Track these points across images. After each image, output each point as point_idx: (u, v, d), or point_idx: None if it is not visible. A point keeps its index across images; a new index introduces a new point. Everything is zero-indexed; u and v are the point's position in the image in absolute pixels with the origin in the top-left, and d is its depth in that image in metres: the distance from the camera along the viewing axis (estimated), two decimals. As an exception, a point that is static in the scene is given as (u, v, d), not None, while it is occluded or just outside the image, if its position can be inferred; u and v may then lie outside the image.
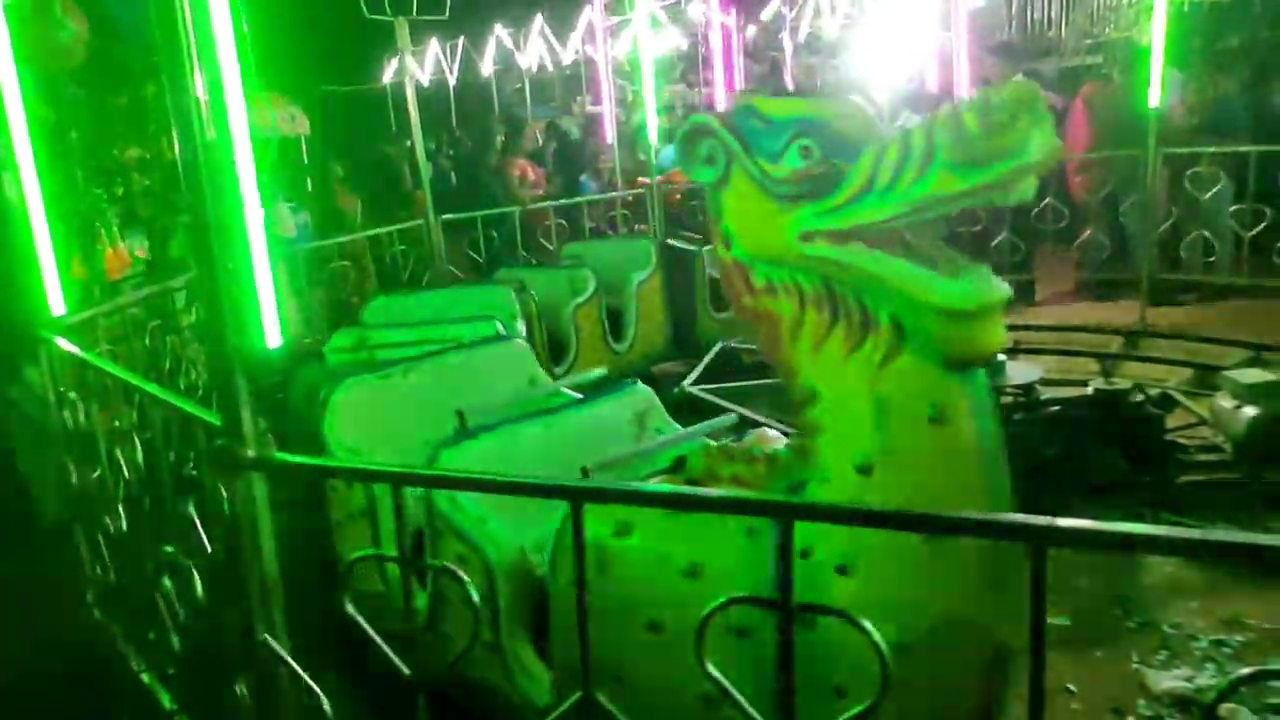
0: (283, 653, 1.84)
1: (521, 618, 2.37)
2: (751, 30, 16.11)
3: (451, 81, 15.04)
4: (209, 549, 2.19)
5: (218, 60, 1.69)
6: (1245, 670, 1.26)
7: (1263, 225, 6.18)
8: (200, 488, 2.22)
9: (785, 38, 11.82)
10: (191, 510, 2.30)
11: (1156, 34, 6.16)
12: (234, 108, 1.72)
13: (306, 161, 8.87)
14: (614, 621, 1.80)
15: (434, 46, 14.89)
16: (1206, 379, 5.15)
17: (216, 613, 2.18)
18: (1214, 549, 1.46)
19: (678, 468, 2.16)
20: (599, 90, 15.48)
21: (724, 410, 4.37)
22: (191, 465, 2.66)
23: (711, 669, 1.46)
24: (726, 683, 1.48)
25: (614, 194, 7.62)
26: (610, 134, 7.91)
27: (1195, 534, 1.51)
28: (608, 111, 8.63)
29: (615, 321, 5.39)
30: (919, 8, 8.03)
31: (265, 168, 6.70)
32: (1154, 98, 6.17)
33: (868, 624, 1.43)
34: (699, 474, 2.09)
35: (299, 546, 3.14)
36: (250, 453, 1.79)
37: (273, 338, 1.80)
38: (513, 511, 2.44)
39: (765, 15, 14.68)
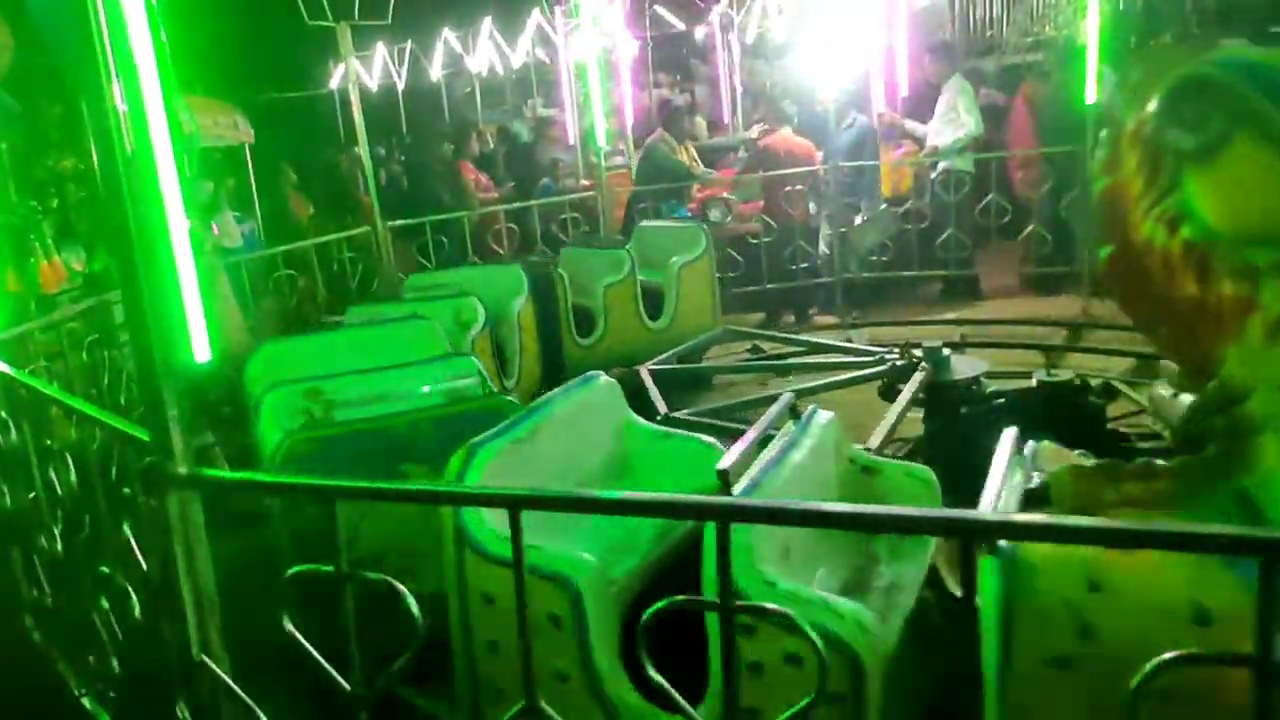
0: (220, 673, 1.81)
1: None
2: (699, 32, 16.21)
3: (400, 86, 14.91)
4: (145, 568, 2.14)
5: (136, 70, 1.65)
6: (1168, 655, 1.29)
7: (1196, 217, 6.34)
8: (135, 506, 2.17)
9: (733, 39, 11.88)
10: (127, 530, 2.25)
11: (1091, 32, 6.31)
12: (154, 118, 1.68)
13: (253, 169, 8.75)
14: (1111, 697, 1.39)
15: (381, 51, 14.74)
16: (1146, 368, 5.28)
17: (155, 633, 2.13)
18: (1143, 539, 1.49)
19: (1038, 499, 1.79)
20: (550, 93, 15.47)
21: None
22: (126, 484, 2.60)
23: (652, 672, 1.46)
24: (671, 689, 1.47)
25: (561, 198, 7.60)
26: (573, 135, 7.81)
27: (1123, 526, 1.53)
28: (570, 114, 8.57)
29: (498, 353, 5.08)
30: (864, 9, 8.13)
31: (188, 177, 6.56)
32: (1091, 94, 6.31)
33: (807, 626, 1.43)
34: (1073, 501, 1.74)
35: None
36: (181, 470, 1.76)
37: (201, 351, 1.77)
38: (802, 575, 2.06)
39: (712, 17, 14.78)
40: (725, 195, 7.94)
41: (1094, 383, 4.85)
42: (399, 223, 6.25)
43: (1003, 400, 4.43)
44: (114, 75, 1.62)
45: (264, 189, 8.03)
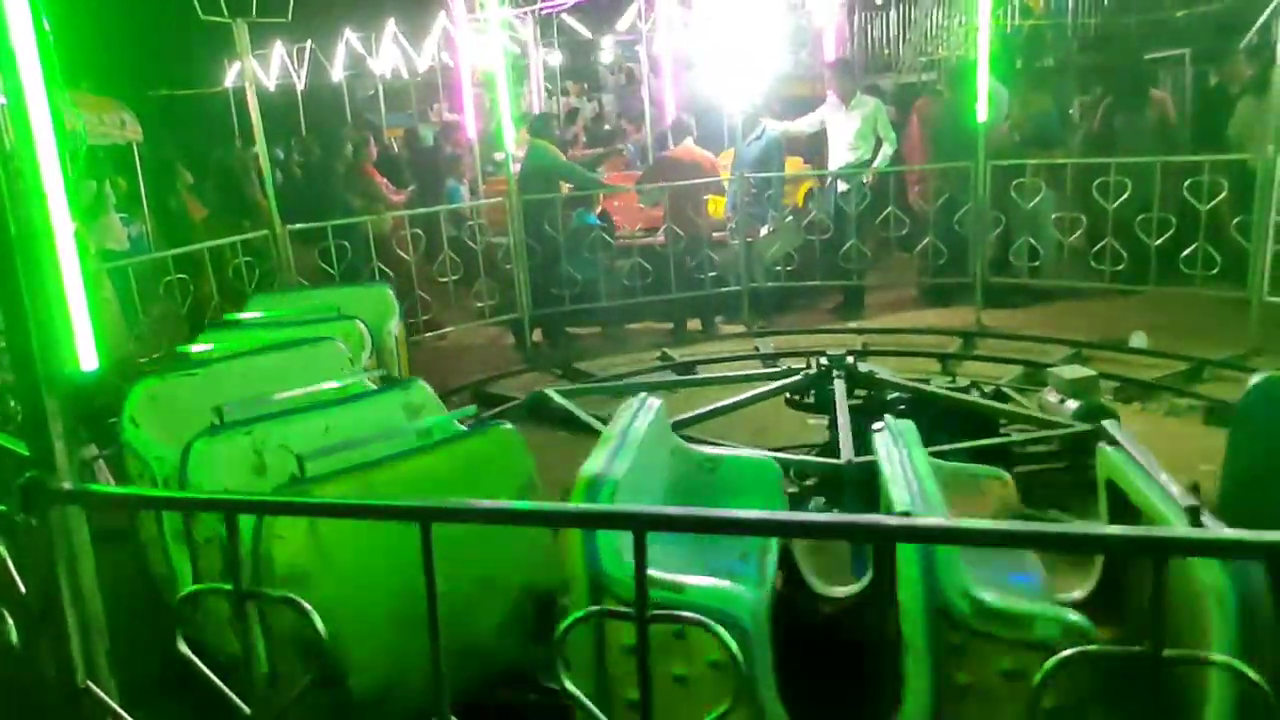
0: (107, 699, 1.71)
1: None
2: (608, 42, 16.28)
3: (300, 86, 14.49)
4: (23, 590, 2.00)
5: (16, 63, 1.55)
6: (1068, 651, 1.34)
7: (1080, 231, 6.70)
8: (12, 525, 2.03)
9: (642, 50, 11.97)
10: (3, 550, 2.10)
11: (982, 54, 6.58)
12: (36, 114, 1.59)
13: (141, 169, 8.35)
14: None
15: (279, 49, 14.31)
16: (1035, 375, 5.54)
17: (36, 660, 2.00)
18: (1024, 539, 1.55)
19: None
20: (455, 97, 15.27)
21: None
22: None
23: (569, 685, 1.45)
24: (585, 698, 1.46)
25: (470, 203, 7.50)
26: (512, 146, 7.46)
27: (1020, 527, 1.60)
28: (506, 123, 8.23)
29: None
30: (769, 25, 8.31)
31: (74, 176, 6.23)
32: (981, 113, 6.58)
33: (722, 631, 1.44)
34: None
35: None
36: (65, 485, 1.65)
37: (87, 359, 1.67)
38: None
39: (622, 26, 14.85)
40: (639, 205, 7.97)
41: (986, 389, 5.06)
42: (298, 226, 6.04)
43: (903, 406, 4.57)
44: (-9, 66, 1.53)
45: (153, 190, 7.66)
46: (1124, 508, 2.51)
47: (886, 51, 13.80)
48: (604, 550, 2.08)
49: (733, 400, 4.81)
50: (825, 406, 4.58)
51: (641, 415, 2.77)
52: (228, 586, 1.59)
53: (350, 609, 2.24)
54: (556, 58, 14.46)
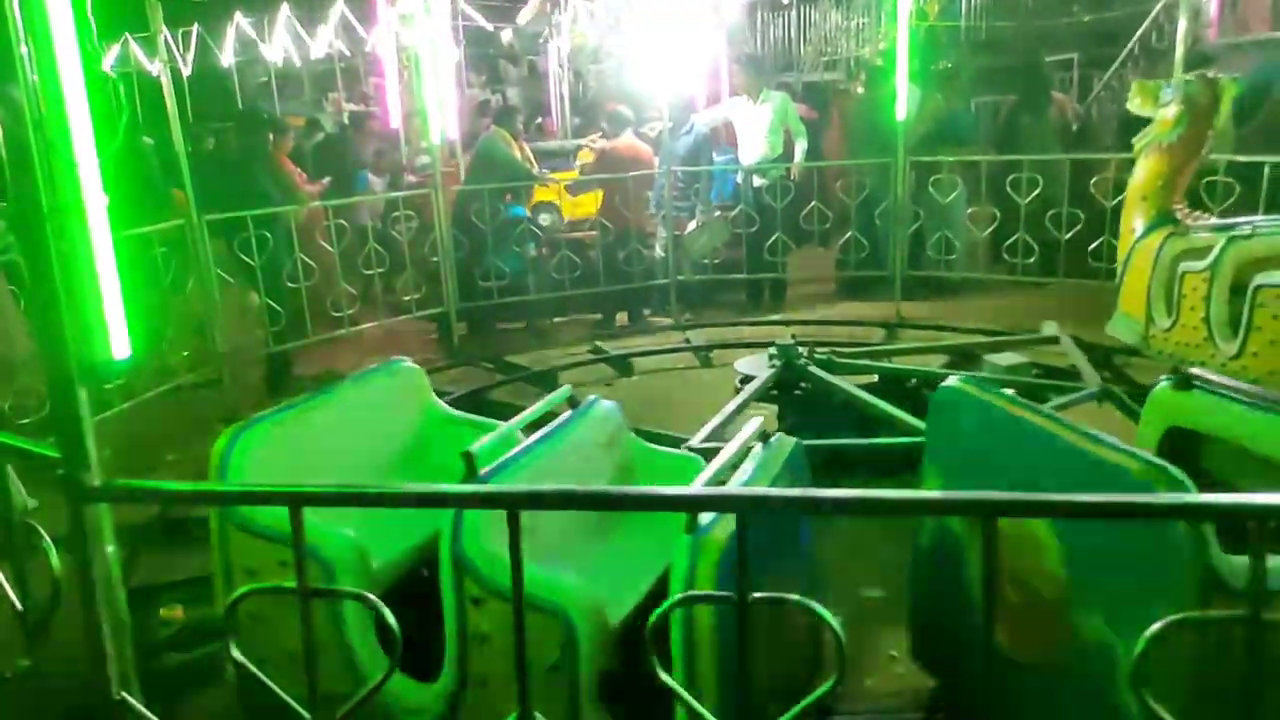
0: (142, 709, 1.59)
1: None
2: (508, 33, 16.06)
3: (185, 71, 13.73)
4: (19, 608, 1.84)
5: (49, 23, 1.42)
6: (1157, 625, 1.33)
7: (993, 226, 7.01)
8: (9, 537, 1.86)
9: (555, 44, 11.88)
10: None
11: (901, 54, 6.80)
12: (70, 79, 1.46)
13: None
14: None
15: (163, 32, 13.54)
16: (958, 364, 5.76)
17: (41, 679, 1.84)
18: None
19: None
20: (354, 87, 14.77)
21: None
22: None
23: (666, 677, 1.42)
24: (687, 695, 1.42)
25: (396, 193, 7.28)
26: (437, 136, 7.09)
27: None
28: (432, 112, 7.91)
29: None
30: (678, 21, 8.36)
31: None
32: (900, 111, 6.81)
33: (816, 605, 1.42)
34: None
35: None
36: (97, 481, 1.53)
37: (120, 346, 1.55)
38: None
39: (522, 19, 14.68)
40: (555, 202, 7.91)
41: (926, 375, 5.25)
42: (219, 216, 5.73)
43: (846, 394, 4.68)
44: (20, 24, 1.39)
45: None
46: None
47: (795, 49, 14.15)
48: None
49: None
50: (785, 393, 4.66)
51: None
52: (290, 584, 1.50)
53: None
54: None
